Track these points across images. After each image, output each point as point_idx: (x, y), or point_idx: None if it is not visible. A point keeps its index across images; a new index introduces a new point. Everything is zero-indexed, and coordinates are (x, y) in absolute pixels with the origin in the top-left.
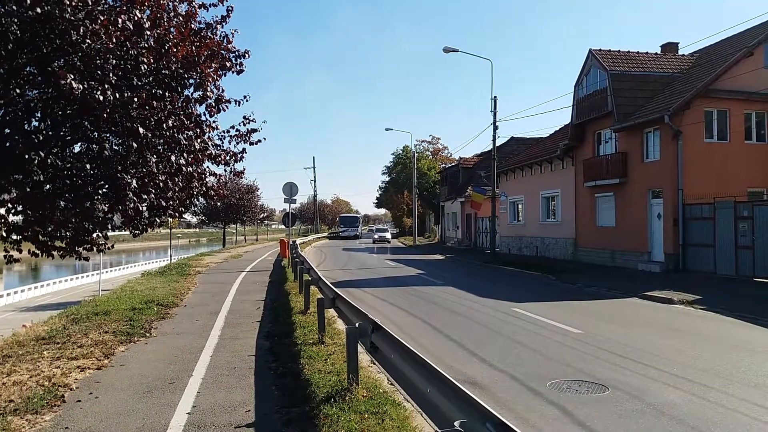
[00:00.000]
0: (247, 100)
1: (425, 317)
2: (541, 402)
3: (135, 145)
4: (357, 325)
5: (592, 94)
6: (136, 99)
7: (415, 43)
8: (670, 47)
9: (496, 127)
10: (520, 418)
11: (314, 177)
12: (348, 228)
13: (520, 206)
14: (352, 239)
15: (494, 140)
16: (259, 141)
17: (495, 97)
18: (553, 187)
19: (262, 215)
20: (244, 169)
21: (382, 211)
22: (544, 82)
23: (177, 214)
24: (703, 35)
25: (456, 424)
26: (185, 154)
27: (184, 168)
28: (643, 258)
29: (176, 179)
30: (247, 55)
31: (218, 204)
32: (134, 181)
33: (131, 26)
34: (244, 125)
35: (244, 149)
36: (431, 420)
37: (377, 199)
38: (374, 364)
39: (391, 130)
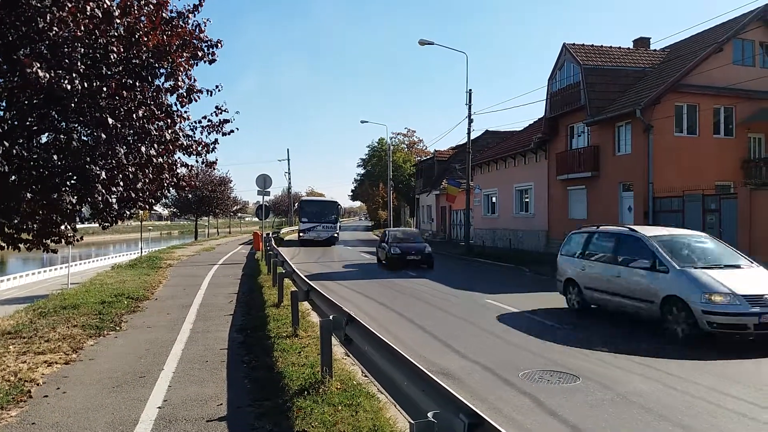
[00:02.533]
0: (219, 90)
1: (400, 309)
2: (513, 392)
3: (104, 135)
4: (331, 317)
5: (565, 88)
6: (105, 88)
7: (391, 34)
8: (642, 42)
9: (471, 121)
10: (492, 408)
11: (288, 169)
12: (316, 224)
13: (494, 199)
14: (324, 244)
15: (469, 133)
16: (232, 131)
17: (470, 90)
18: (526, 180)
19: (235, 207)
20: (216, 160)
21: (358, 203)
22: (519, 76)
23: (147, 206)
24: (674, 30)
25: (429, 415)
26: (156, 145)
27: (154, 159)
28: None
29: (146, 170)
30: (219, 45)
31: (190, 196)
32: (103, 173)
33: (100, 14)
34: (216, 115)
35: (216, 140)
36: (405, 411)
37: (352, 191)
38: (348, 356)
39: (367, 122)
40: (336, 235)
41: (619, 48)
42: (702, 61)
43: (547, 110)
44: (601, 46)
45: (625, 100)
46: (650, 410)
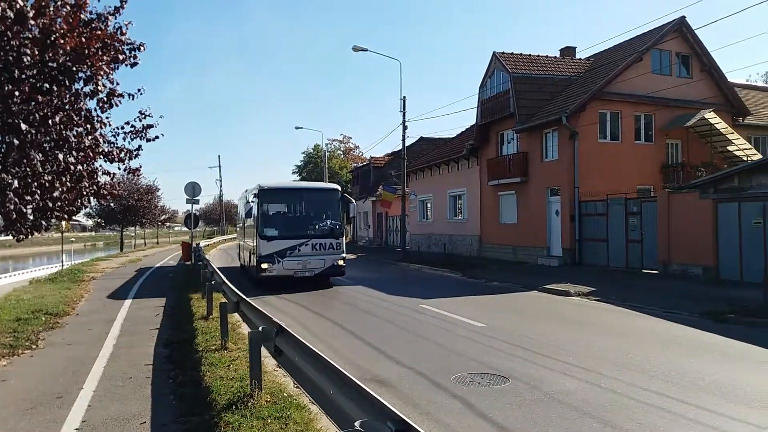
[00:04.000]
0: (141, 94)
1: (334, 317)
2: (445, 396)
3: (17, 142)
4: (260, 328)
5: (495, 95)
6: (17, 93)
7: (326, 40)
8: (568, 51)
9: (405, 127)
10: (424, 413)
11: (220, 176)
12: (300, 240)
13: (429, 205)
14: (316, 283)
15: (404, 140)
16: (157, 137)
17: (404, 97)
18: (459, 186)
19: (164, 217)
20: (141, 166)
21: None
22: (453, 83)
23: (66, 216)
24: (598, 40)
25: (356, 424)
26: (74, 152)
27: (72, 167)
28: (542, 253)
29: (64, 179)
30: (142, 48)
31: (113, 205)
32: (16, 181)
33: (12, 15)
34: (140, 120)
35: (140, 146)
36: (334, 421)
37: None
38: (279, 368)
39: (302, 128)
40: (341, 262)
41: (547, 57)
42: (623, 70)
43: (479, 117)
44: (530, 55)
45: (552, 108)
46: (576, 408)
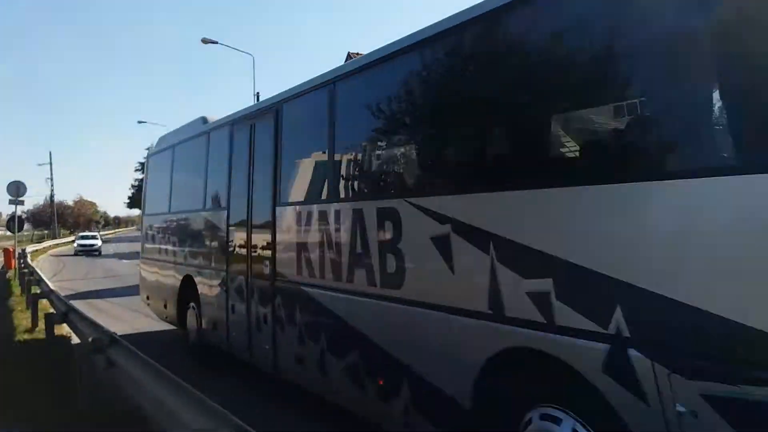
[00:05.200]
0: None
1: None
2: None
3: None
4: (90, 339)
5: None
6: None
7: (176, 29)
8: None
9: None
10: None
11: (51, 174)
12: None
13: None
14: None
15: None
16: None
17: (258, 92)
18: None
19: None
20: None
21: (137, 211)
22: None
23: None
24: None
25: None
26: None
27: None
28: None
29: None
30: None
31: None
32: None
33: None
34: None
35: None
36: None
37: (130, 198)
38: (114, 381)
39: (145, 122)
40: None
41: None
42: None
43: None
44: None
45: None
46: None
